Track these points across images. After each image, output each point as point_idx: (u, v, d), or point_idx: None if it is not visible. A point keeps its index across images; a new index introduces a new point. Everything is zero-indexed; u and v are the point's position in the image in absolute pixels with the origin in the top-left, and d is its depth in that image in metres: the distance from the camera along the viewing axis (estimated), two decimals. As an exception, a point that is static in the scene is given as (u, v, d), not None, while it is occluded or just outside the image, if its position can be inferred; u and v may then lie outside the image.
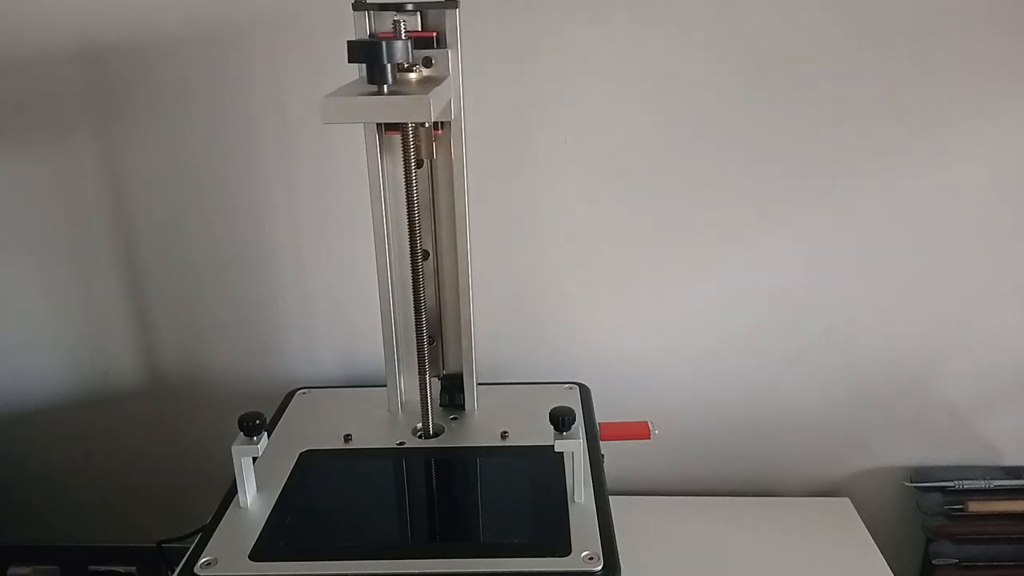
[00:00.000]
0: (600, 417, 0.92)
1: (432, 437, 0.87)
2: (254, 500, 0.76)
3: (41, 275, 1.08)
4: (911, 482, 1.12)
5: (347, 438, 0.86)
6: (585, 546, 0.69)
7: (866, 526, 1.05)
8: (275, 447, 0.85)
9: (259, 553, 0.69)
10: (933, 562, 1.09)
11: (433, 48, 0.78)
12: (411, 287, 0.84)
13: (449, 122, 0.81)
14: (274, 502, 0.76)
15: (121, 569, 1.18)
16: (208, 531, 0.72)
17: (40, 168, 1.03)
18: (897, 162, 0.99)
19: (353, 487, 0.81)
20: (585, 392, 0.96)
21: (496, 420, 0.90)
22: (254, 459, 0.75)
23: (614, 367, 1.09)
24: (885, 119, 0.97)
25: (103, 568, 1.19)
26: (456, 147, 0.82)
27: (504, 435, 0.86)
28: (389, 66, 0.64)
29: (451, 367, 0.92)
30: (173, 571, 0.90)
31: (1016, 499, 1.08)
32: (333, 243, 1.05)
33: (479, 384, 0.92)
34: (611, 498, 0.76)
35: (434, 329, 0.91)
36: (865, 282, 1.05)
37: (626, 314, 1.08)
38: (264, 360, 1.12)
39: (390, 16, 0.76)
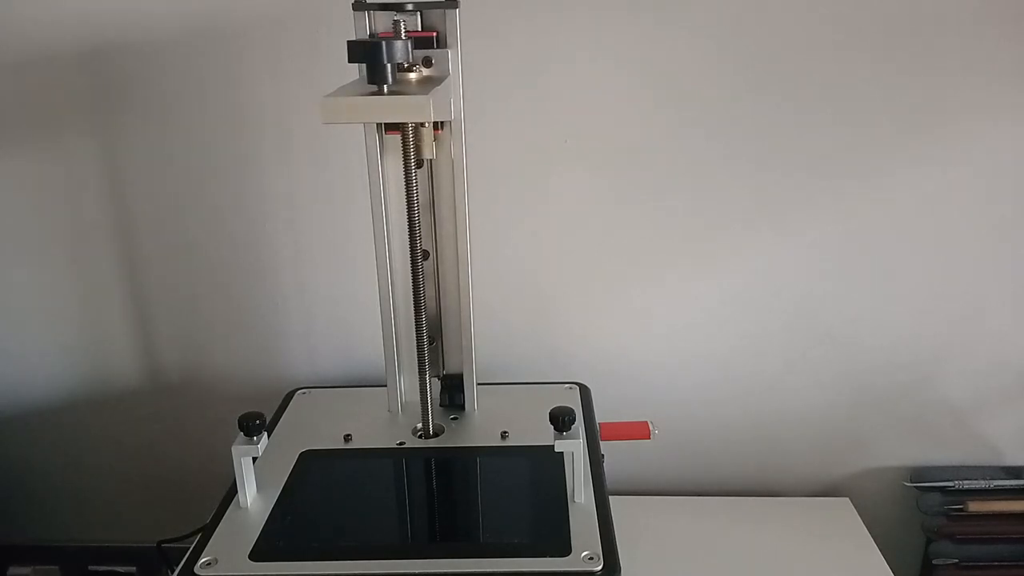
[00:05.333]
0: (600, 417, 0.92)
1: (432, 437, 0.87)
2: (254, 500, 0.76)
3: (41, 275, 1.08)
4: (911, 482, 1.12)
5: (347, 438, 0.86)
6: (585, 546, 0.69)
7: (866, 526, 1.05)
8: (275, 447, 0.85)
9: (259, 553, 0.69)
10: (933, 562, 1.09)
11: (433, 48, 0.78)
12: (411, 287, 0.84)
13: (449, 122, 0.81)
14: (274, 502, 0.76)
15: (121, 569, 1.18)
16: (208, 531, 0.72)
17: (40, 168, 1.03)
18: (897, 162, 0.99)
19: (353, 487, 0.81)
20: (585, 392, 0.96)
21: (496, 420, 0.90)
22: (254, 459, 0.75)
23: (614, 367, 1.09)
24: (886, 119, 0.97)
25: (103, 568, 1.19)
26: (456, 147, 0.82)
27: (504, 435, 0.86)
28: (389, 66, 0.64)
29: (451, 367, 0.92)
30: (173, 571, 0.91)
31: (1016, 499, 1.08)
32: (333, 243, 1.05)
33: (479, 384, 0.92)
34: (611, 498, 0.76)
35: (434, 329, 0.91)
36: (865, 282, 1.05)
37: (626, 314, 1.08)
38: (264, 360, 1.12)
39: (390, 16, 0.76)
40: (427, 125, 0.80)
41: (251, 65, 0.98)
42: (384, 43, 0.63)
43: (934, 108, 0.96)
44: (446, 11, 0.78)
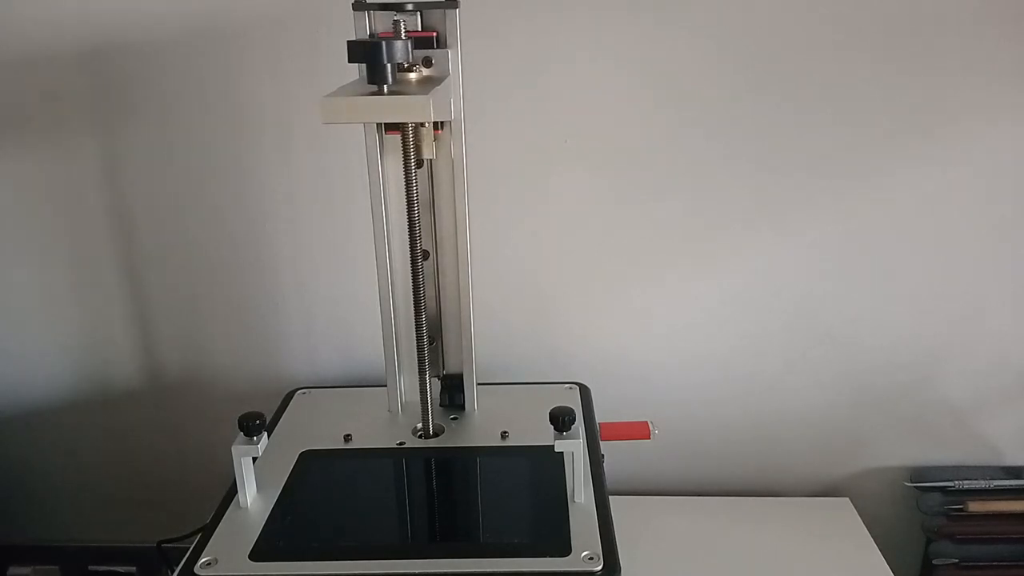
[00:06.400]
0: (600, 417, 0.92)
1: (432, 437, 0.87)
2: (254, 500, 0.76)
3: (41, 275, 1.08)
4: (911, 482, 1.12)
5: (347, 438, 0.86)
6: (585, 546, 0.69)
7: (866, 526, 1.05)
8: (275, 447, 0.85)
9: (259, 553, 0.69)
10: (933, 562, 1.09)
11: (433, 48, 0.78)
12: (411, 287, 0.84)
13: (449, 122, 0.81)
14: (274, 502, 0.76)
15: (121, 569, 1.18)
16: (208, 531, 0.72)
17: (40, 168, 1.03)
18: (897, 162, 0.99)
19: (353, 487, 0.81)
20: (585, 392, 0.96)
21: (496, 420, 0.90)
22: (254, 459, 0.75)
23: (614, 367, 1.09)
24: (886, 119, 0.97)
25: (103, 568, 1.19)
26: (456, 147, 0.82)
27: (504, 435, 0.86)
28: (389, 66, 0.64)
29: (451, 367, 0.92)
30: (173, 571, 0.91)
31: (1016, 499, 1.08)
32: (333, 243, 1.05)
33: (479, 384, 0.92)
34: (611, 498, 0.76)
35: (434, 329, 0.91)
36: (865, 282, 1.05)
37: (626, 314, 1.08)
38: (264, 360, 1.12)
39: (390, 16, 0.76)
40: (427, 125, 0.80)
41: (251, 65, 0.98)
42: (384, 43, 0.63)
43: (934, 108, 0.96)
44: (446, 11, 0.78)
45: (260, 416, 0.73)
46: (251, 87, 0.99)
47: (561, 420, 0.72)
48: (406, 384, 0.92)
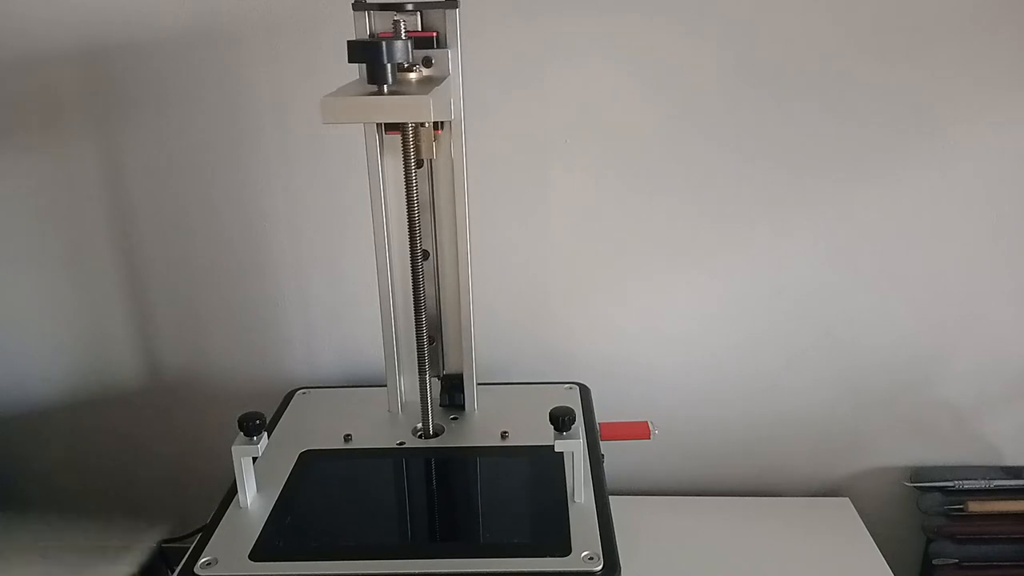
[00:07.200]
0: (600, 417, 0.92)
1: (432, 437, 0.87)
2: (254, 500, 0.76)
3: (41, 275, 1.08)
4: (911, 482, 1.12)
5: (347, 438, 0.86)
6: (585, 546, 0.69)
7: (866, 526, 1.05)
8: (275, 447, 0.85)
9: (259, 553, 0.69)
10: (933, 562, 1.09)
11: (433, 48, 0.78)
12: (411, 287, 0.84)
13: (449, 122, 0.81)
14: (274, 502, 0.76)
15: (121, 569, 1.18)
16: (208, 531, 0.72)
17: (40, 168, 1.03)
18: (898, 162, 0.99)
19: (353, 487, 0.81)
20: (585, 392, 0.96)
21: (496, 420, 0.90)
22: (254, 459, 0.75)
23: (614, 367, 1.09)
24: (886, 119, 0.97)
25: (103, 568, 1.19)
26: (456, 147, 0.82)
27: (504, 435, 0.86)
28: (389, 66, 0.64)
29: (451, 367, 0.92)
30: (173, 571, 0.91)
31: (1016, 499, 1.08)
32: (333, 243, 1.05)
33: (479, 384, 0.92)
34: (611, 498, 0.76)
35: (434, 329, 0.91)
36: (866, 282, 1.05)
37: (626, 314, 1.08)
38: (264, 360, 1.12)
39: (390, 16, 0.76)
40: (427, 125, 0.80)
41: (251, 65, 0.98)
42: (384, 43, 0.63)
43: (935, 108, 0.96)
44: (446, 11, 0.78)
45: (260, 416, 0.73)
46: (251, 87, 0.99)
47: (561, 420, 0.72)
48: (406, 384, 0.92)
